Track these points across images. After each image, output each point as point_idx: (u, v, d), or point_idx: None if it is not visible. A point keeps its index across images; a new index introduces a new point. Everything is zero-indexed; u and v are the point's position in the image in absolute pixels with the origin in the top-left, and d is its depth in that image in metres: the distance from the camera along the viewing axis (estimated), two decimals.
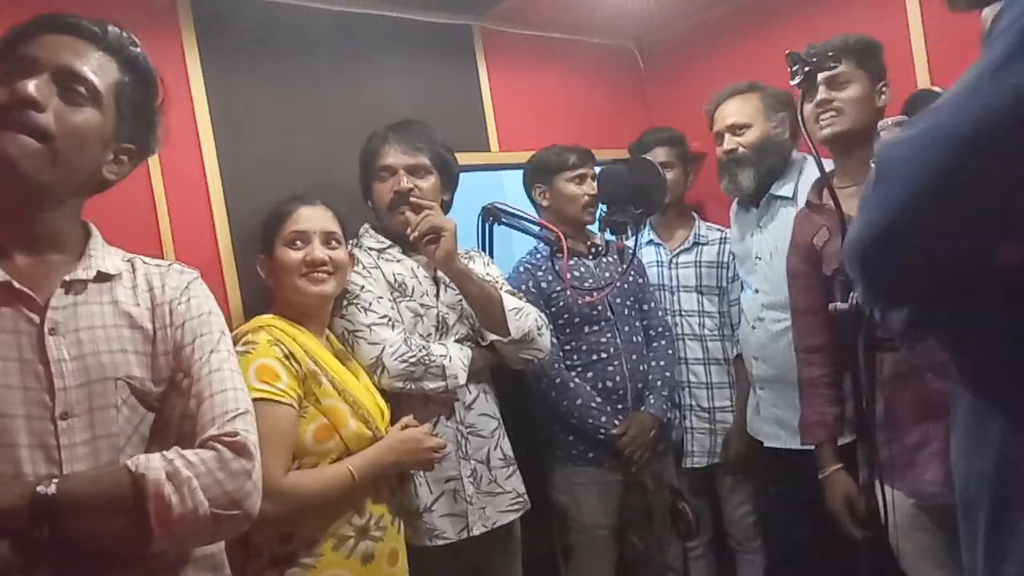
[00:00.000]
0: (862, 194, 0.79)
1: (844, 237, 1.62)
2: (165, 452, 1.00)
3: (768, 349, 2.25)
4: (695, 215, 2.65)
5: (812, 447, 2.15)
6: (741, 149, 2.26)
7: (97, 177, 1.09)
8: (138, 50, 1.11)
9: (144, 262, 1.16)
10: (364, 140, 1.97)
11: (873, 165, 0.77)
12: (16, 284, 0.99)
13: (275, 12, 2.10)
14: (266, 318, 1.62)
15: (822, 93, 1.83)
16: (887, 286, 0.78)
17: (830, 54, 1.76)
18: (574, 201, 2.29)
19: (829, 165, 1.90)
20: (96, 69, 1.04)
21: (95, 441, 1.01)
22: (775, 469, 2.31)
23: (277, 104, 2.11)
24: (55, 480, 0.94)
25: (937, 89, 1.85)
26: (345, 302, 1.78)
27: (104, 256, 1.10)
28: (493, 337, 1.88)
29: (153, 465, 0.97)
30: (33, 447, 0.97)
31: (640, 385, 2.29)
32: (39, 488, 0.92)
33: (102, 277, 1.08)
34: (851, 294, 1.40)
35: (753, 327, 2.30)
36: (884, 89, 1.86)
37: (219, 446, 1.03)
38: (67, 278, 1.04)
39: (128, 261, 1.14)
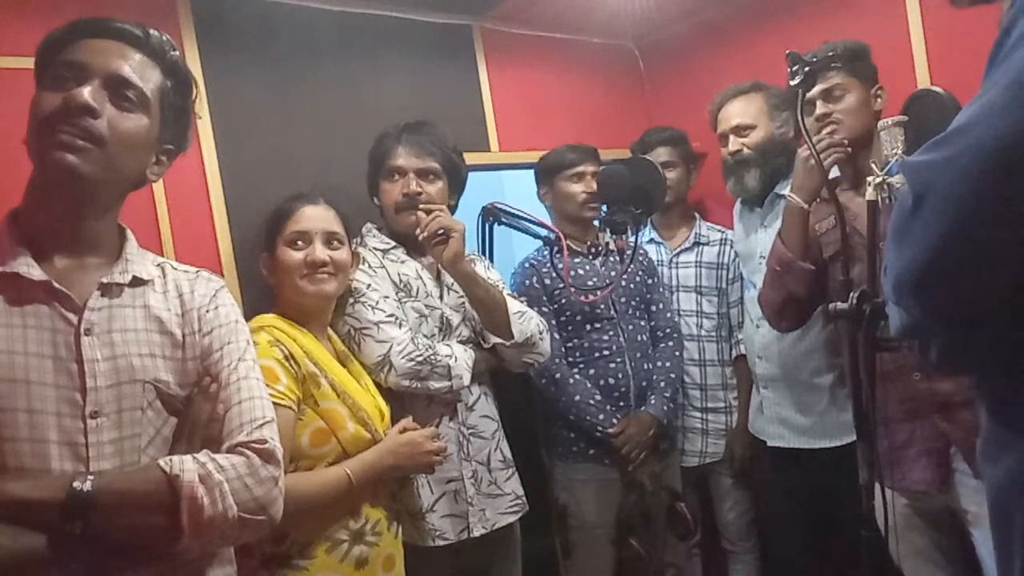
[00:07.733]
0: (893, 219, 0.77)
1: (844, 229, 1.62)
2: (196, 455, 1.02)
3: (772, 348, 2.25)
4: (697, 215, 2.66)
5: (814, 447, 2.16)
6: (746, 151, 2.25)
7: (140, 179, 1.11)
8: (177, 54, 1.13)
9: (174, 267, 1.18)
10: (364, 140, 1.96)
11: (902, 186, 0.75)
12: (56, 284, 1.01)
13: (275, 12, 2.10)
14: (267, 318, 1.61)
15: (820, 107, 1.84)
16: (945, 313, 0.75)
17: (830, 54, 1.76)
18: (572, 199, 2.32)
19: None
20: (143, 75, 1.06)
21: (121, 441, 1.02)
22: (778, 468, 2.30)
23: (277, 104, 2.11)
24: (90, 477, 0.95)
25: (937, 89, 1.84)
26: (352, 300, 1.77)
27: (139, 261, 1.12)
28: (496, 340, 1.88)
29: (187, 467, 0.99)
30: (62, 444, 0.98)
31: (644, 384, 2.29)
32: (75, 484, 0.93)
33: (136, 282, 1.10)
34: (851, 294, 1.40)
35: (757, 326, 2.30)
36: (880, 93, 1.86)
37: (249, 452, 1.05)
38: (104, 280, 1.06)
39: (159, 266, 1.16)
